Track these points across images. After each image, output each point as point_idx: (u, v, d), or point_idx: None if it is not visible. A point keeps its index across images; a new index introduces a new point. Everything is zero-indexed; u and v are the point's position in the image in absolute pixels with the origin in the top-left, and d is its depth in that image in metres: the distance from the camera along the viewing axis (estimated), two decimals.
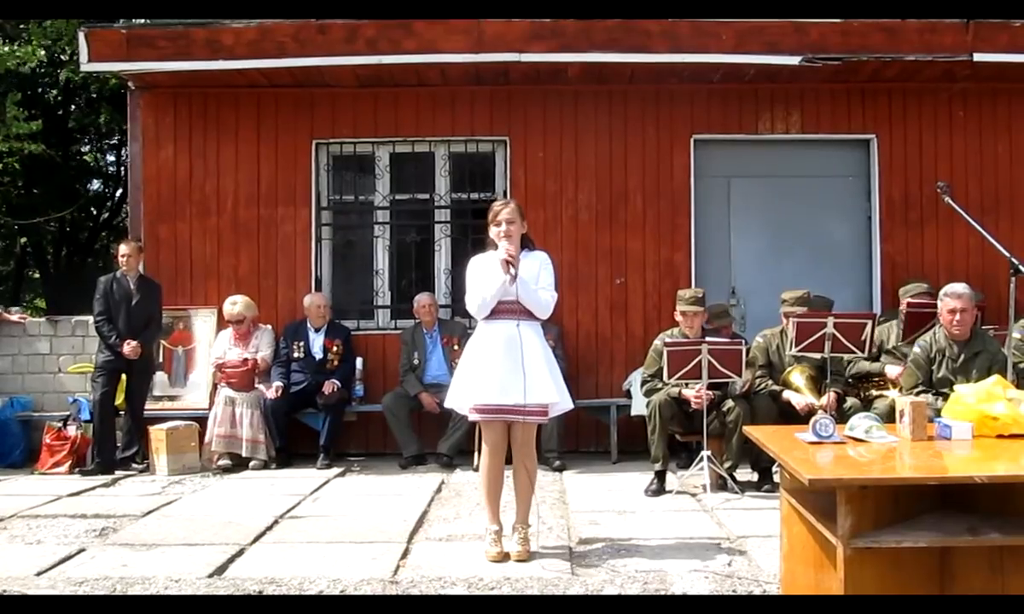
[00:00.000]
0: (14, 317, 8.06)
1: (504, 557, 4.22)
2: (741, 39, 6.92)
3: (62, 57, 13.73)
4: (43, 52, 12.27)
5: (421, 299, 7.23)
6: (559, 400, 4.37)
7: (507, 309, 4.27)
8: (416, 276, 7.85)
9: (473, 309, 4.35)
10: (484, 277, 4.29)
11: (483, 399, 4.25)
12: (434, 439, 6.97)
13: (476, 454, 6.56)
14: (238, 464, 6.87)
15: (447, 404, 4.59)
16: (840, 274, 7.57)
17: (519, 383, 4.16)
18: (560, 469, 6.63)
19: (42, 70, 14.36)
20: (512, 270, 4.17)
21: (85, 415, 7.17)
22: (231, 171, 7.67)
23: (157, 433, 6.79)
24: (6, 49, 11.60)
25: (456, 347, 7.08)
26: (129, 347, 6.75)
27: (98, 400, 6.82)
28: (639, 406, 6.44)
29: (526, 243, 4.41)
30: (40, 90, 15.21)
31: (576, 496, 5.77)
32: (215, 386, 7.23)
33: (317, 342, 7.24)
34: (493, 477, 4.37)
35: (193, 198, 7.66)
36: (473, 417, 4.39)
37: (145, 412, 7.04)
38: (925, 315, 5.99)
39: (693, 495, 5.66)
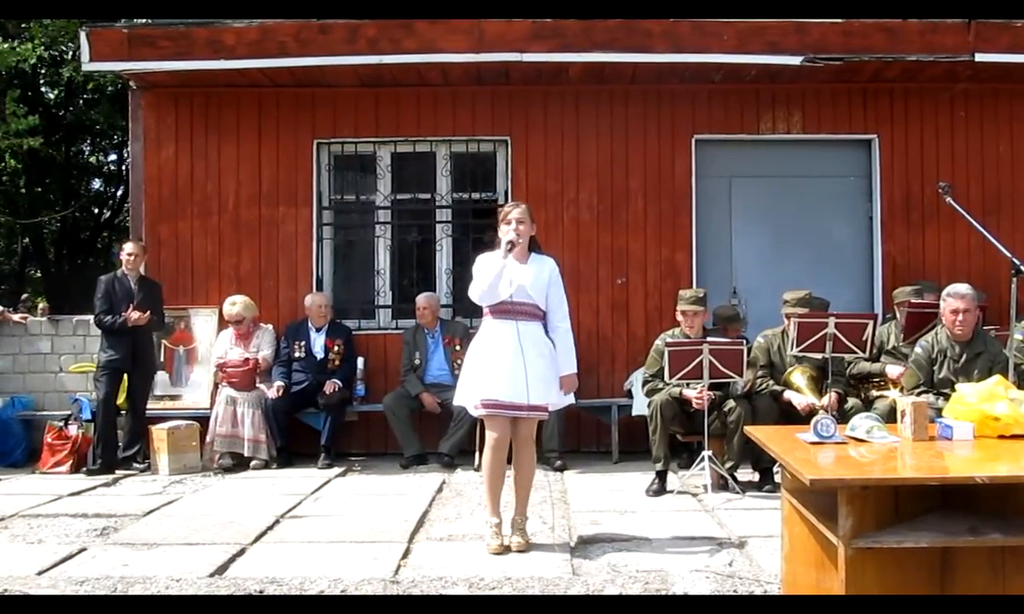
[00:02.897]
0: (15, 316, 8.06)
1: (505, 549, 4.29)
2: (742, 39, 6.92)
3: (64, 55, 13.76)
4: (42, 49, 12.29)
5: (419, 301, 7.22)
6: (559, 401, 4.56)
7: (513, 309, 4.37)
8: (417, 276, 7.86)
9: (475, 296, 4.45)
10: (487, 269, 4.38)
11: (490, 395, 4.33)
12: (435, 439, 6.96)
13: (477, 454, 6.58)
14: (239, 464, 6.88)
15: (456, 402, 4.66)
16: (841, 274, 7.57)
17: (523, 383, 4.27)
18: (561, 469, 6.62)
19: (43, 69, 14.39)
20: (510, 243, 4.30)
21: (86, 414, 7.17)
22: (232, 171, 7.67)
23: (158, 433, 6.79)
24: (5, 46, 11.61)
25: (458, 348, 7.09)
26: (136, 314, 6.73)
27: (102, 400, 6.83)
28: (640, 406, 6.44)
29: (533, 246, 4.51)
30: (40, 88, 15.24)
31: (577, 496, 5.77)
32: (216, 386, 7.23)
33: (318, 342, 7.24)
34: (495, 471, 4.42)
35: (194, 198, 7.66)
36: (479, 412, 4.47)
37: (146, 411, 7.04)
38: (926, 316, 5.99)
39: (694, 495, 5.66)
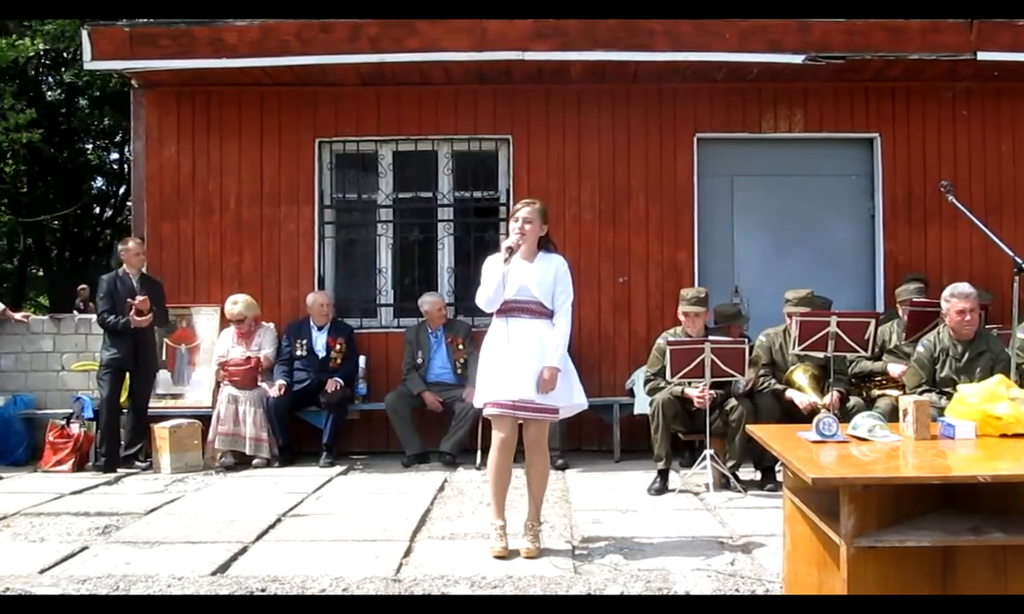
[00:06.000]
0: (18, 315, 8.07)
1: (508, 553, 4.23)
2: (744, 38, 6.91)
3: (65, 57, 13.78)
4: (40, 42, 12.29)
5: (430, 301, 7.20)
6: (571, 402, 4.49)
7: (516, 308, 4.35)
8: (419, 275, 7.86)
9: (481, 303, 4.44)
10: (492, 273, 4.38)
11: (496, 396, 4.30)
12: (437, 437, 6.97)
13: (479, 452, 6.59)
14: (241, 462, 6.88)
15: (476, 404, 4.58)
16: (843, 273, 7.56)
17: (526, 381, 4.24)
18: (563, 468, 6.62)
19: (43, 67, 14.42)
20: (509, 250, 4.30)
21: (88, 413, 7.18)
22: (234, 169, 7.67)
23: (160, 431, 6.80)
24: (4, 42, 11.61)
25: (460, 347, 7.11)
26: (138, 311, 6.73)
27: (105, 399, 6.83)
28: (642, 405, 6.44)
29: (544, 245, 4.50)
30: (40, 83, 15.26)
31: (579, 495, 5.77)
32: (218, 384, 7.23)
33: (320, 340, 7.24)
34: (501, 473, 4.39)
35: (196, 196, 7.66)
36: (487, 412, 4.43)
37: (148, 410, 7.05)
38: (928, 315, 5.99)
39: (696, 494, 5.66)
